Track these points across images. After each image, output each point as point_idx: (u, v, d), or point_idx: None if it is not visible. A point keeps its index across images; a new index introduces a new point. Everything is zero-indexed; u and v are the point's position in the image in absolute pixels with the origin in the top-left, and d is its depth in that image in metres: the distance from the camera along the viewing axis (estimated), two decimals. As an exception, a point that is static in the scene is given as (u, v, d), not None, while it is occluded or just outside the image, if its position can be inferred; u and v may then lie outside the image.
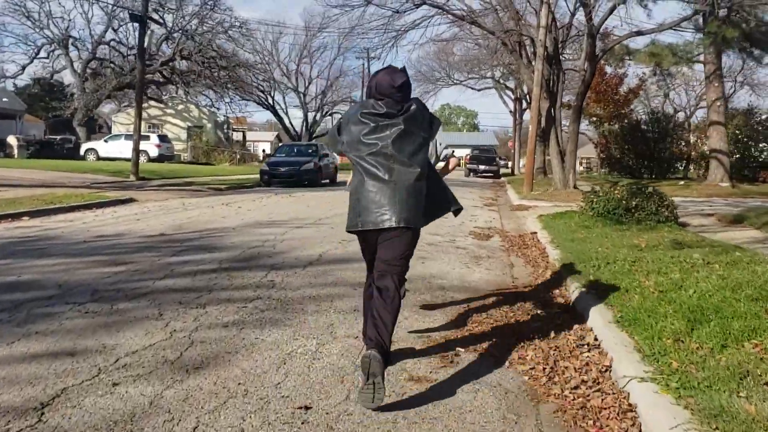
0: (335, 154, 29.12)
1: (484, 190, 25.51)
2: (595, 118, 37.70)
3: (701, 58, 23.68)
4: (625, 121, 37.67)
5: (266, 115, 60.74)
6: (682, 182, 26.07)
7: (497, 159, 44.11)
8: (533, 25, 23.36)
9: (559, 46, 22.20)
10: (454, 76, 49.20)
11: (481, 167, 42.19)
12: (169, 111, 51.51)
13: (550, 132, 21.63)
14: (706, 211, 15.27)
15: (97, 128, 54.07)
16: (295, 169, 22.39)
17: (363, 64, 61.19)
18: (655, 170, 36.00)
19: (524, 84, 35.65)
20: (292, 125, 61.70)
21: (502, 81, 48.35)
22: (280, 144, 43.84)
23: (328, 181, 25.45)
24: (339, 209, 13.30)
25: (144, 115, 51.30)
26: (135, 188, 18.32)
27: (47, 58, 45.34)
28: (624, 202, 11.10)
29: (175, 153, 46.79)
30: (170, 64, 43.81)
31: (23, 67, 45.31)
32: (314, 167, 22.73)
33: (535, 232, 10.81)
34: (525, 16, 22.82)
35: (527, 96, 41.72)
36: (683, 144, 37.15)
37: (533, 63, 21.62)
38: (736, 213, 13.10)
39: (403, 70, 3.79)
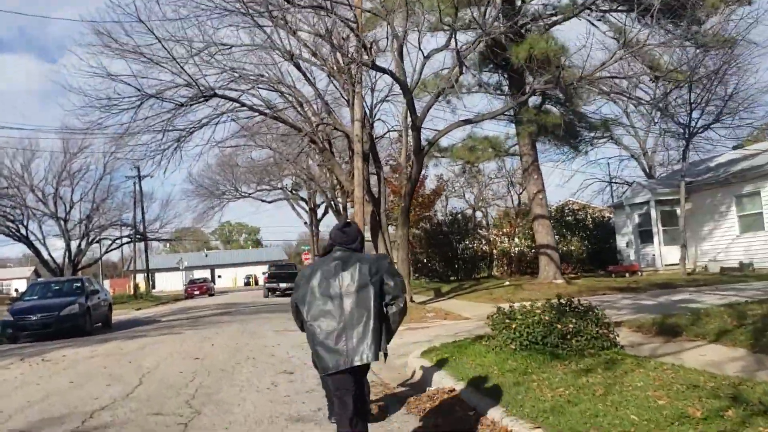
0: (107, 290, 23.32)
1: (279, 316, 21.37)
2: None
3: (516, 150, 22.63)
4: (428, 224, 36.41)
5: (20, 248, 51.33)
6: (507, 282, 24.31)
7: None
8: (343, 121, 20.71)
9: (375, 142, 19.59)
10: (242, 188, 45.46)
11: (283, 285, 38.14)
12: None
13: (377, 240, 18.51)
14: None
15: None
16: (53, 315, 16.55)
17: (134, 183, 55.31)
18: (461, 272, 34.83)
19: (332, 180, 32.88)
20: (51, 257, 52.78)
21: (294, 191, 45.55)
22: (31, 282, 36.02)
23: (100, 324, 19.67)
24: (131, 379, 8.52)
25: None
26: None
27: None
28: (557, 326, 7.84)
29: None
30: None
31: None
32: (80, 309, 17.06)
33: (453, 390, 7.04)
34: (331, 111, 20.01)
35: (329, 205, 39.18)
36: (484, 242, 36.65)
37: (349, 163, 18.64)
38: (654, 320, 10.55)
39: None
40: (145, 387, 8.25)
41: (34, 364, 11.23)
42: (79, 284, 18.88)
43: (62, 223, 51.84)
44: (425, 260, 35.50)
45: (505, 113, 19.99)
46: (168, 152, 20.27)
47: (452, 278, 34.26)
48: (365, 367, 4.57)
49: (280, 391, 7.66)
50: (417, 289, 27.92)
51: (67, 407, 7.12)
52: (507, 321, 8.21)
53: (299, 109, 18.28)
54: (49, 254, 52.78)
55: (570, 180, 56.45)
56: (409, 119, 17.78)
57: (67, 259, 52.07)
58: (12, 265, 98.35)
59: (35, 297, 18.29)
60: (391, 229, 24.35)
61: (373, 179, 20.59)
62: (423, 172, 33.80)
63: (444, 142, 23.63)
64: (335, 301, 4.40)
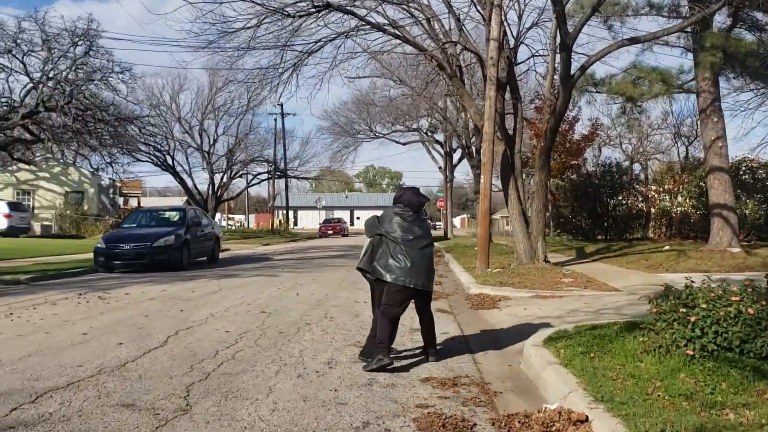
0: (217, 222, 22.35)
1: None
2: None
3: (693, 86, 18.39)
4: (574, 174, 32.49)
5: (171, 178, 53.00)
6: (666, 247, 20.43)
7: (427, 220, 38.13)
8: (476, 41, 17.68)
9: (515, 68, 16.38)
10: (377, 128, 43.46)
11: (411, 231, 36.11)
12: (42, 174, 43.40)
13: (507, 185, 15.56)
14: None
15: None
16: (146, 246, 15.31)
17: (275, 120, 55.21)
18: (610, 231, 30.83)
19: (466, 119, 29.96)
20: (197, 188, 54.12)
21: (429, 133, 42.92)
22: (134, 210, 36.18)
23: (206, 258, 18.46)
24: (156, 338, 6.57)
25: (12, 179, 43.29)
26: None
27: None
28: (763, 323, 4.80)
29: (41, 224, 38.72)
30: (34, 117, 36.14)
31: None
32: (175, 242, 15.72)
33: (585, 419, 4.29)
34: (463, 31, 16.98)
35: (463, 148, 36.24)
36: (640, 199, 32.18)
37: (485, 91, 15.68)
38: None
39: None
40: (160, 352, 6.23)
41: (83, 302, 9.73)
42: (180, 215, 17.61)
43: (206, 155, 52.89)
44: (569, 215, 31.83)
45: (682, 38, 15.99)
46: (285, 76, 18.49)
47: (599, 237, 30.44)
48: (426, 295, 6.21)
49: (329, 381, 5.32)
50: (555, 247, 24.66)
51: (30, 377, 5.19)
52: (682, 309, 5.23)
53: (426, 26, 15.51)
54: (194, 185, 54.24)
55: (749, 133, 48.91)
56: (558, 38, 14.46)
57: (210, 191, 53.28)
58: (171, 195, 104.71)
59: (133, 225, 17.27)
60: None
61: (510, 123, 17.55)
62: (574, 112, 29.89)
63: (601, 71, 19.78)
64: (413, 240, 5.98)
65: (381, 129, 43.83)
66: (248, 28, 17.40)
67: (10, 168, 43.13)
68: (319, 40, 16.97)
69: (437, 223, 62.17)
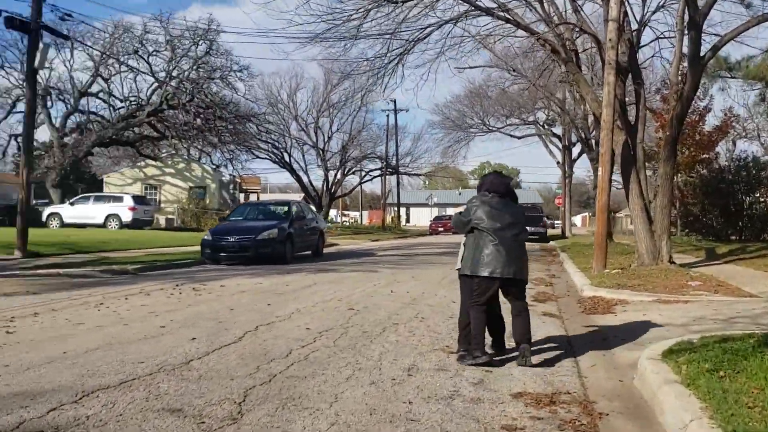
0: (321, 217, 22.26)
1: (529, 263, 17.98)
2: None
3: None
4: (705, 169, 29.89)
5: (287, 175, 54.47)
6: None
7: (544, 218, 36.59)
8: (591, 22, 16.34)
9: (637, 51, 14.94)
10: (490, 122, 42.20)
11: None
12: (168, 170, 45.62)
13: (628, 178, 14.22)
14: None
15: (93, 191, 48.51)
16: (250, 238, 15.30)
17: (387, 116, 55.16)
18: (745, 231, 28.09)
19: (585, 110, 28.33)
20: (312, 185, 55.11)
21: (546, 126, 41.16)
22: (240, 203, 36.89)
23: (309, 253, 18.32)
24: (233, 333, 6.22)
25: (140, 175, 45.83)
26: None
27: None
28: None
29: (166, 217, 40.67)
30: (159, 114, 37.98)
31: (-4, 123, 40.04)
32: (279, 236, 15.60)
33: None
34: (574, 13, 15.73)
35: (582, 141, 34.39)
36: (781, 197, 29.07)
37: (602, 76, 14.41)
38: None
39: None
40: (231, 349, 5.82)
41: (176, 294, 9.62)
42: (285, 209, 17.55)
43: (321, 152, 53.70)
44: (698, 213, 29.34)
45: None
46: (390, 66, 18.08)
47: (732, 238, 27.86)
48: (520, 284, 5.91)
49: (405, 391, 4.68)
50: (682, 247, 22.73)
51: (85, 372, 4.88)
52: None
53: (539, 9, 14.45)
54: (310, 182, 55.30)
55: None
56: (686, 17, 12.98)
57: (324, 188, 54.07)
58: (291, 192, 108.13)
59: (240, 218, 17.40)
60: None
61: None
62: (704, 102, 27.43)
63: (736, 53, 17.75)
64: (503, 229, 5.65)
65: (495, 123, 42.56)
66: (353, 20, 17.18)
67: (138, 164, 45.68)
68: (426, 27, 16.37)
69: (556, 222, 59.84)
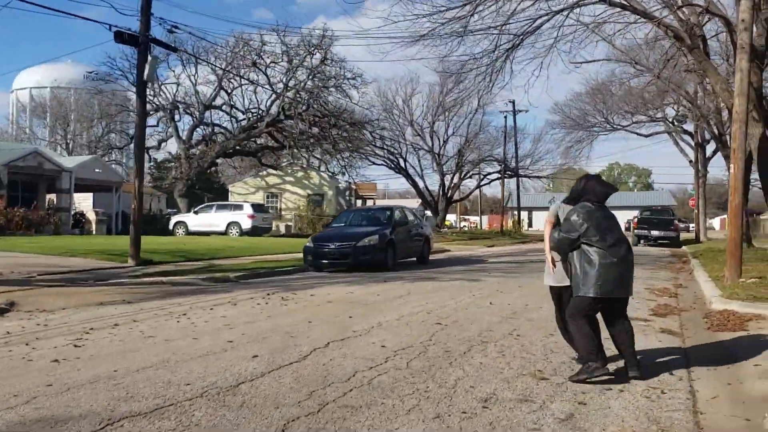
0: (426, 221, 21.61)
1: (656, 271, 16.47)
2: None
3: None
4: None
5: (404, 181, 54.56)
6: None
7: (676, 221, 33.96)
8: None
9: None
10: (614, 120, 39.78)
11: (654, 233, 32.50)
12: (288, 179, 46.85)
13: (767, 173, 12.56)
14: None
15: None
16: (350, 245, 14.95)
17: (505, 117, 53.66)
18: None
19: (718, 103, 25.96)
20: (428, 190, 54.75)
21: (676, 123, 38.25)
22: (344, 210, 36.59)
23: (414, 259, 17.74)
24: (299, 351, 5.78)
25: (262, 183, 47.35)
26: (92, 282, 12.03)
27: (156, 125, 42.45)
28: None
29: (285, 224, 41.69)
30: (278, 125, 38.97)
31: (131, 138, 42.64)
32: (379, 242, 15.14)
33: None
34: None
35: (715, 138, 31.59)
36: None
37: (733, 62, 12.84)
38: None
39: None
40: (290, 370, 5.33)
41: (261, 303, 9.33)
42: (388, 214, 17.05)
43: (436, 156, 53.16)
44: None
45: None
46: (498, 63, 17.31)
47: None
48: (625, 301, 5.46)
49: (472, 428, 3.98)
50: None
51: (123, 395, 4.53)
52: None
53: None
54: (426, 187, 54.96)
55: None
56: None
57: (441, 192, 53.48)
58: (410, 197, 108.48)
59: (342, 224, 17.12)
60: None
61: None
62: None
63: None
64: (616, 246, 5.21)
65: (619, 120, 40.12)
66: (461, 17, 16.56)
67: (261, 173, 47.22)
68: (536, 19, 15.44)
69: (691, 225, 55.72)
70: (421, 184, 53.25)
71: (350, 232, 15.64)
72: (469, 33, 17.20)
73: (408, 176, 52.60)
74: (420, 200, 62.15)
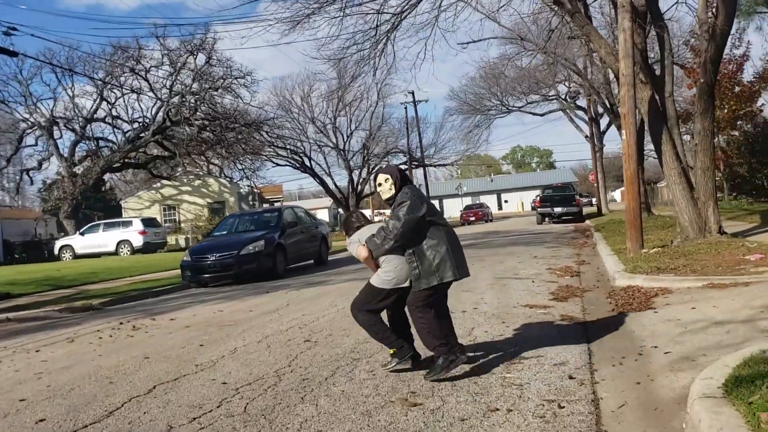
0: (323, 220, 20.43)
1: (558, 248, 15.91)
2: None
3: None
4: (749, 125, 27.21)
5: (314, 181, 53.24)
6: None
7: (577, 197, 34.14)
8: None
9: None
10: (509, 102, 39.77)
11: (557, 209, 32.51)
12: (185, 188, 44.42)
13: (660, 139, 12.03)
14: None
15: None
16: (232, 255, 13.47)
17: (406, 108, 53.07)
18: (800, 191, 25.41)
19: (606, 73, 26.12)
20: (337, 188, 53.61)
21: (569, 100, 38.62)
22: (228, 214, 35.40)
23: (312, 261, 16.49)
24: (115, 399, 4.41)
25: (158, 196, 44.68)
26: None
27: (35, 144, 39.21)
28: None
29: (185, 236, 39.48)
30: (165, 132, 36.66)
31: (7, 159, 39.25)
32: (266, 248, 13.73)
33: None
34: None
35: (606, 109, 31.86)
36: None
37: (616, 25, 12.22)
38: None
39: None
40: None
41: (105, 337, 7.83)
42: (276, 216, 15.66)
43: (342, 152, 51.95)
44: (746, 174, 26.69)
45: None
46: (380, 47, 16.31)
47: (789, 196, 25.26)
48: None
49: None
50: (732, 213, 20.34)
51: None
52: None
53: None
54: (335, 184, 53.78)
55: None
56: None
57: (350, 189, 52.35)
58: (323, 196, 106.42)
59: (224, 232, 15.59)
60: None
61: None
62: (741, 50, 24.75)
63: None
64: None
65: (514, 102, 40.18)
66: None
67: (155, 185, 44.59)
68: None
69: (593, 199, 57.04)
70: (329, 182, 52.06)
71: (232, 241, 14.12)
72: (346, 15, 16.15)
73: (315, 175, 51.33)
74: (331, 199, 60.82)
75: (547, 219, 33.05)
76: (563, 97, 38.79)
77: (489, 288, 9.41)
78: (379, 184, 4.90)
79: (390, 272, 4.75)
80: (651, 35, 14.65)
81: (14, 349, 7.30)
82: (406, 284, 4.74)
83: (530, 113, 41.18)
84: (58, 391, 5.20)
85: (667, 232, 14.53)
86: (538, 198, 33.99)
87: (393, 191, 4.78)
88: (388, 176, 4.83)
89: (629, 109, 11.48)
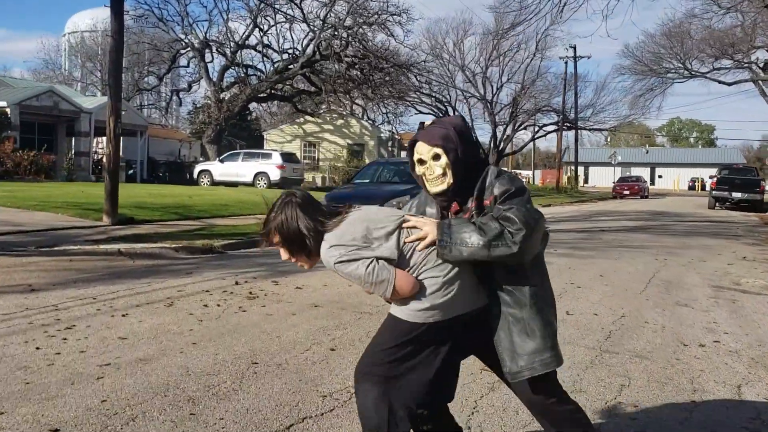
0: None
1: (735, 243, 12.76)
2: None
3: None
4: None
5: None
6: None
7: (762, 182, 29.61)
8: None
9: None
10: (693, 66, 34.92)
11: (736, 194, 28.36)
12: (326, 127, 43.57)
13: None
14: None
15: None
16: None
17: (566, 63, 48.90)
18: None
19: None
20: (478, 142, 50.80)
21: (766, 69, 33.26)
22: (367, 159, 33.17)
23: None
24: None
25: (299, 131, 44.16)
26: (29, 249, 9.13)
27: (187, 65, 39.47)
28: None
29: (322, 176, 38.80)
30: (314, 66, 35.46)
31: (160, 78, 39.80)
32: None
33: None
34: None
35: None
36: None
37: None
38: None
39: None
40: None
41: (212, 305, 6.11)
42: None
43: (489, 105, 49.00)
44: None
45: None
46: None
47: None
48: None
49: None
50: None
51: None
52: None
53: None
54: (476, 138, 50.99)
55: None
56: None
57: (492, 145, 49.56)
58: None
59: (366, 180, 13.71)
60: None
61: None
62: None
63: None
64: None
65: (698, 66, 35.28)
66: None
67: (297, 120, 44.01)
68: None
69: None
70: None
71: (375, 192, 12.21)
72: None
73: (455, 127, 48.75)
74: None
75: (718, 204, 29.15)
76: (761, 65, 33.49)
77: (715, 306, 6.85)
78: (420, 161, 2.63)
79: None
80: None
81: (99, 308, 5.73)
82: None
83: (717, 81, 36.08)
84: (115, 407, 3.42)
85: None
86: (714, 179, 29.77)
87: (450, 178, 2.58)
88: (441, 150, 2.56)
89: None
